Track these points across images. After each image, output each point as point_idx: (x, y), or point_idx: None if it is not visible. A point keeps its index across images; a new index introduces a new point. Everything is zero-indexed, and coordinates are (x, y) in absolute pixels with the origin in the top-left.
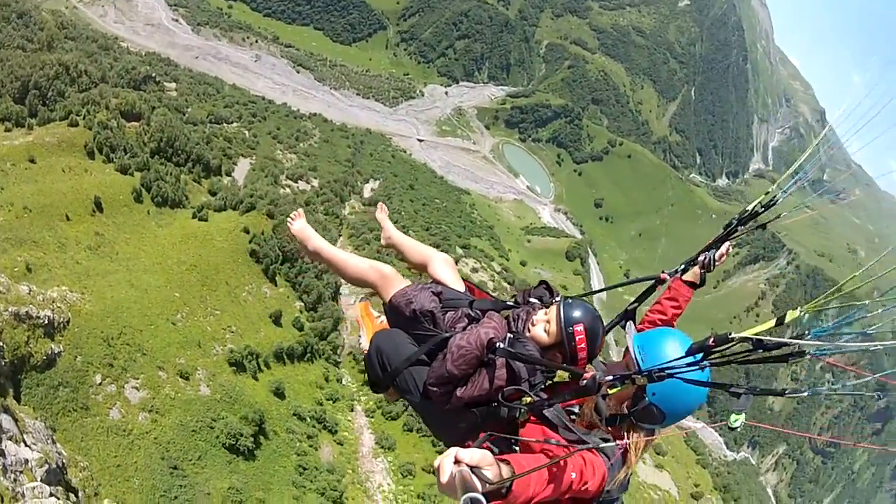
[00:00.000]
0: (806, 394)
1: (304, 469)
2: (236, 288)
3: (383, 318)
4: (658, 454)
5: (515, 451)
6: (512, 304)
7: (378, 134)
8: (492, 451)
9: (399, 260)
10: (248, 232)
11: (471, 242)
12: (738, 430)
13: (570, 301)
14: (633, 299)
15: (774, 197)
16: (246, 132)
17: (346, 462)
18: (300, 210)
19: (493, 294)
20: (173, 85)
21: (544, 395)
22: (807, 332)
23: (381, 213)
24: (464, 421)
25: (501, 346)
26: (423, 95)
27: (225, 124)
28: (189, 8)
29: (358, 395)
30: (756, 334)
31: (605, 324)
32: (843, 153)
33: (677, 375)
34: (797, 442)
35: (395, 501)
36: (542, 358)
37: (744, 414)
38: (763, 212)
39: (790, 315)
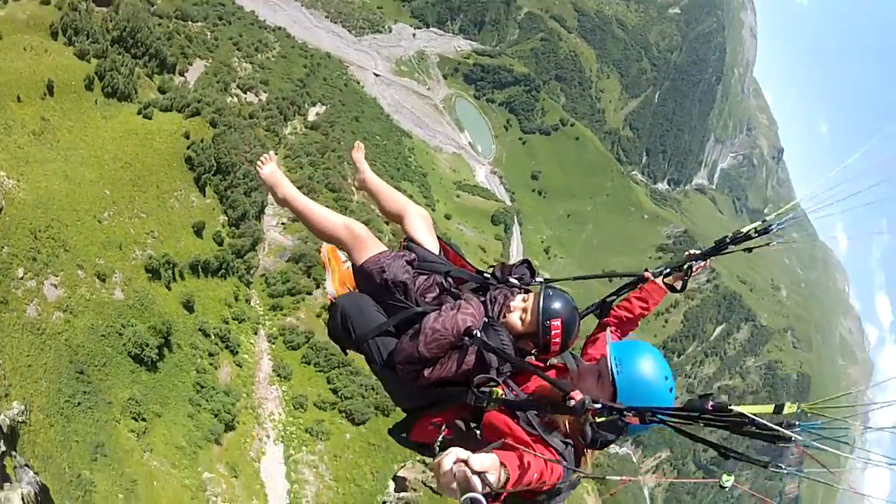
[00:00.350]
0: (786, 472)
1: (202, 388)
2: (165, 192)
3: (350, 263)
4: None
5: (476, 437)
6: (489, 276)
7: (336, 60)
8: (460, 434)
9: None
10: (188, 137)
11: (401, 186)
12: (727, 489)
13: (550, 292)
14: (612, 293)
15: (770, 225)
16: (208, 33)
17: (241, 385)
18: (271, 153)
19: (467, 259)
20: None
21: (517, 387)
22: (796, 423)
23: (358, 153)
24: (426, 397)
25: (478, 334)
26: (389, 32)
27: (190, 22)
28: None
29: (263, 320)
30: (754, 414)
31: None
32: (791, 191)
33: (671, 424)
34: (682, 451)
35: (284, 432)
36: (515, 355)
37: (734, 476)
38: (755, 237)
39: (788, 408)
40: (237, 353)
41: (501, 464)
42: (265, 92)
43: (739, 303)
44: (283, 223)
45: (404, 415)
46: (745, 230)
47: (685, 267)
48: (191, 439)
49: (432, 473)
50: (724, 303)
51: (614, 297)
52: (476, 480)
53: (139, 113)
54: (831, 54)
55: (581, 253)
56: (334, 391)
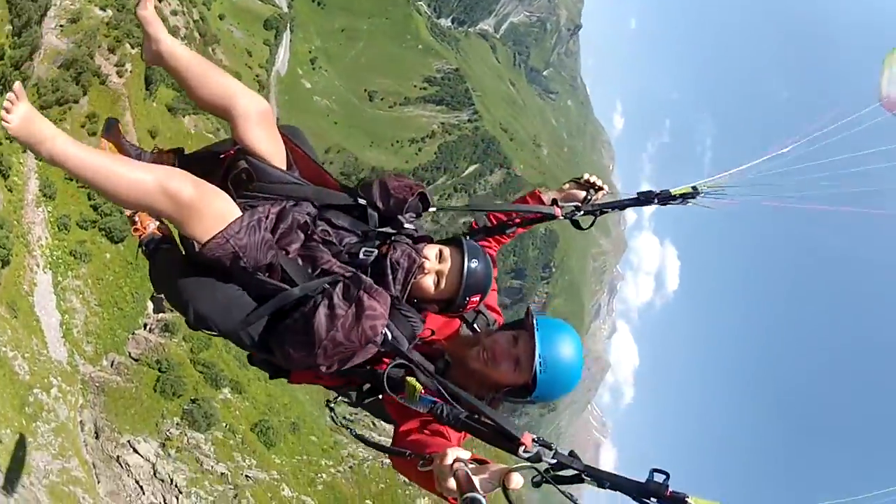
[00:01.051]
0: None
1: None
2: None
3: (145, 154)
4: None
5: (380, 404)
6: (364, 201)
7: None
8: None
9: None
10: None
11: None
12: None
13: (474, 259)
14: (516, 222)
15: (696, 194)
16: None
17: (13, 212)
18: (18, 86)
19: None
20: None
21: (442, 398)
22: None
23: (145, 8)
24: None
25: (389, 337)
26: None
27: None
28: None
29: None
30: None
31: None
32: (578, 66)
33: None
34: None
35: (52, 257)
36: (438, 368)
37: None
38: (679, 200)
39: None
40: (8, 177)
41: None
42: None
43: (497, 148)
44: (61, 25)
45: None
46: (672, 191)
47: (595, 211)
48: None
49: None
50: (483, 145)
51: (518, 226)
52: (477, 481)
53: None
54: None
55: (346, 69)
56: (94, 208)
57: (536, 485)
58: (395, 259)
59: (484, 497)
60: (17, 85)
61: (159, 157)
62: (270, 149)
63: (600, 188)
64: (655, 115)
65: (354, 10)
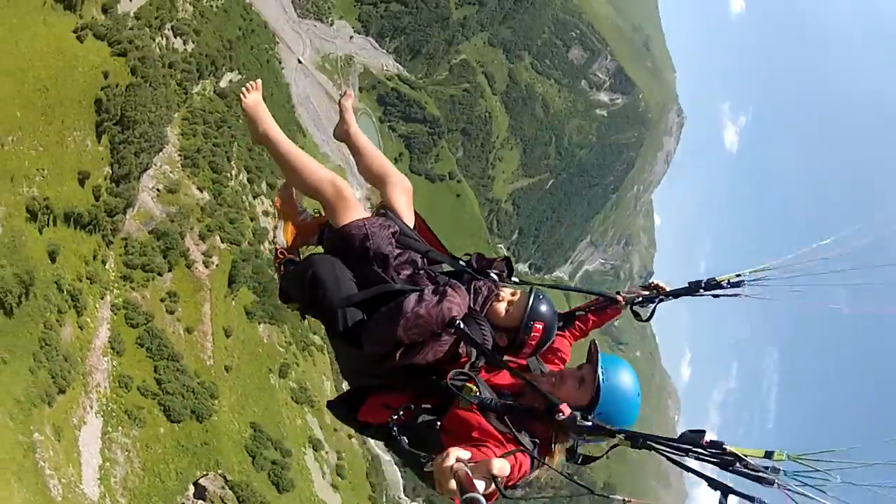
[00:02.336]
0: None
1: (46, 345)
2: (67, 129)
3: (307, 214)
4: (339, 476)
5: (437, 430)
6: (464, 265)
7: (270, 33)
8: (416, 420)
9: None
10: (106, 77)
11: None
12: None
13: (540, 295)
14: (580, 307)
15: (742, 280)
16: None
17: (79, 349)
18: (258, 82)
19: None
20: None
21: (488, 393)
22: (781, 469)
23: (348, 101)
24: (385, 378)
25: (461, 325)
26: (331, 25)
27: None
28: None
29: (112, 286)
30: (745, 454)
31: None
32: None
33: (664, 453)
34: None
35: (106, 407)
36: (494, 345)
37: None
38: (726, 287)
39: (777, 455)
40: (82, 314)
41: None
42: (193, 42)
43: None
44: (158, 189)
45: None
46: (719, 279)
47: (655, 300)
48: (28, 395)
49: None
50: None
51: (583, 312)
52: (476, 480)
53: (75, 31)
54: (732, 206)
55: None
56: (158, 382)
57: (571, 454)
58: (478, 286)
59: (483, 497)
60: (259, 80)
61: (316, 219)
62: (405, 212)
63: (663, 289)
64: (723, 358)
65: None
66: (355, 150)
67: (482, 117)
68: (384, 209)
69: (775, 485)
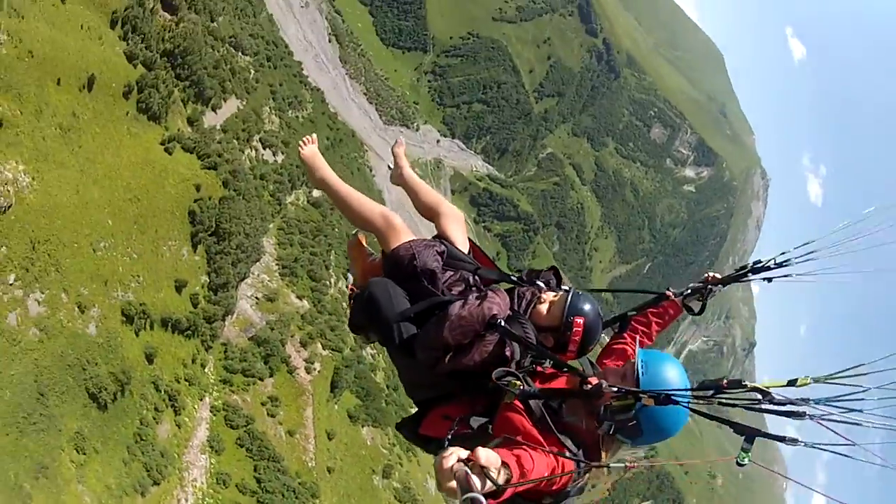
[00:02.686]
0: (803, 445)
1: (142, 439)
2: (161, 239)
3: (376, 256)
4: None
5: (489, 434)
6: (516, 279)
7: (358, 141)
8: (472, 429)
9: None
10: (198, 190)
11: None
12: (745, 467)
13: (579, 293)
14: (633, 308)
15: (789, 259)
16: (252, 71)
17: (175, 445)
18: (314, 136)
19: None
20: None
21: (533, 384)
22: (809, 399)
23: (399, 149)
24: (441, 387)
25: (502, 323)
26: (417, 130)
27: (240, 54)
28: None
29: (212, 389)
30: (767, 387)
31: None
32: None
33: (685, 404)
34: None
35: (203, 500)
36: (538, 342)
37: (750, 453)
38: (774, 268)
39: (801, 381)
40: (180, 413)
41: (503, 463)
42: (283, 154)
43: (671, 483)
44: (257, 297)
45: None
46: (764, 261)
47: (705, 290)
48: (120, 484)
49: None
50: (656, 481)
51: (635, 311)
52: (476, 480)
53: (162, 143)
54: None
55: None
56: (258, 481)
57: (601, 418)
58: (522, 292)
59: (483, 496)
60: (314, 135)
61: (377, 261)
62: (459, 239)
63: (714, 278)
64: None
65: None
66: (410, 190)
67: (574, 209)
68: (437, 237)
69: (806, 416)
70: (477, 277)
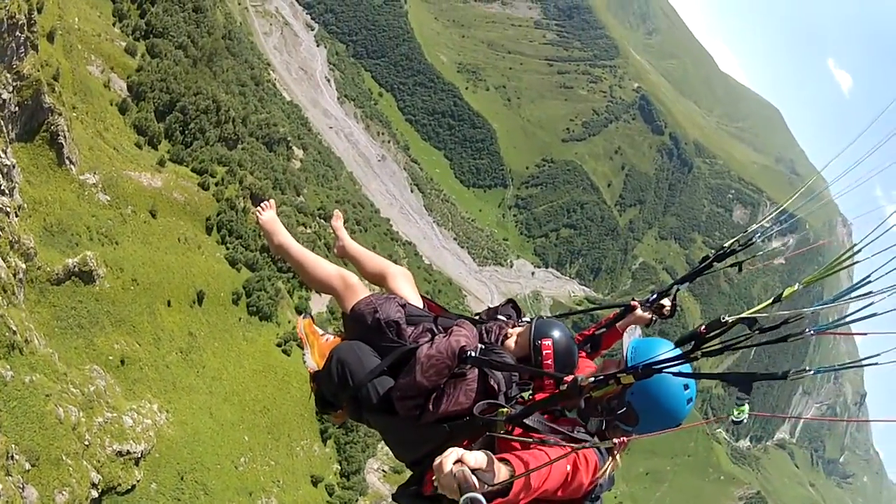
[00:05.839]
0: (811, 373)
1: None
2: (294, 441)
3: (329, 336)
4: None
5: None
6: (477, 319)
7: (457, 287)
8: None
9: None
10: None
11: None
12: (744, 422)
13: (543, 318)
14: (599, 324)
15: (751, 238)
16: None
17: None
18: (271, 201)
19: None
20: (301, 153)
21: (521, 407)
22: (802, 314)
23: (337, 221)
24: (432, 438)
25: (473, 354)
26: (510, 266)
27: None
28: (344, 75)
29: None
30: (752, 313)
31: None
32: (869, 435)
33: (665, 370)
34: None
35: None
36: (517, 360)
37: (747, 405)
38: (740, 250)
39: (788, 290)
40: None
41: (503, 460)
42: None
43: None
44: (383, 470)
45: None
46: (727, 244)
47: (670, 291)
48: None
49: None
50: None
51: (604, 329)
52: (475, 480)
53: (279, 345)
54: None
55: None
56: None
57: (595, 387)
58: (488, 328)
59: (483, 496)
60: (272, 200)
61: (338, 335)
62: (412, 296)
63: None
64: None
65: (657, 452)
66: (354, 260)
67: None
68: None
69: (809, 331)
70: (439, 326)
